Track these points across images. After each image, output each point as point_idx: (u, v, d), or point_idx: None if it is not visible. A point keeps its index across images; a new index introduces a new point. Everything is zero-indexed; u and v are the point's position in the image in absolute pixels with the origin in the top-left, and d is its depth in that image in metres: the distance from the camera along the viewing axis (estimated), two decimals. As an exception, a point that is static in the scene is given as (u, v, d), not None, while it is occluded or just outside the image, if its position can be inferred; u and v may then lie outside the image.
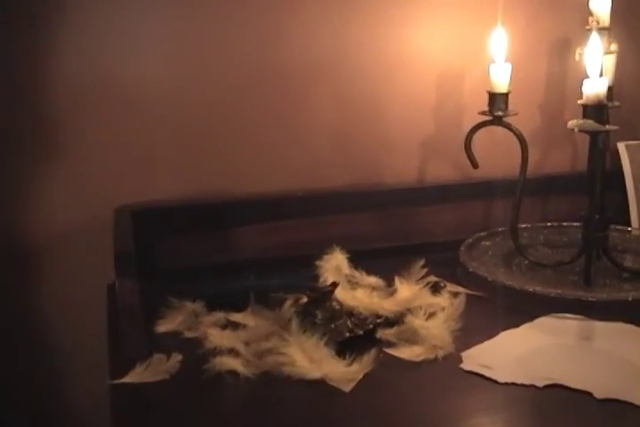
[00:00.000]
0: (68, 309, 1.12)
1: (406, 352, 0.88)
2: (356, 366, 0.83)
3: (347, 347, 0.86)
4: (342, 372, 0.82)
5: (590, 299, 0.97)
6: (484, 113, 1.08)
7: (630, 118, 1.22)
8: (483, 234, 1.19)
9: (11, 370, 1.12)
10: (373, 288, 1.01)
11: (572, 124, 0.98)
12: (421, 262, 1.04)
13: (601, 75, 0.97)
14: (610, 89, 1.02)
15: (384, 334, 0.91)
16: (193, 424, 0.77)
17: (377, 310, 0.94)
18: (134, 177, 1.11)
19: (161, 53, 1.09)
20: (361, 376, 0.83)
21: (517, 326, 0.94)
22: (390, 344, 0.90)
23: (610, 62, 1.08)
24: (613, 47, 1.09)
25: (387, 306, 0.95)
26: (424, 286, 1.01)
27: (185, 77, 1.10)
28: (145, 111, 1.09)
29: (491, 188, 1.22)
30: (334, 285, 0.93)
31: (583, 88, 0.97)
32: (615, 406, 0.77)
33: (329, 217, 1.18)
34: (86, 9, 1.04)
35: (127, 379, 0.82)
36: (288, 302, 0.95)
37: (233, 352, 0.86)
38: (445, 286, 1.02)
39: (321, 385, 0.81)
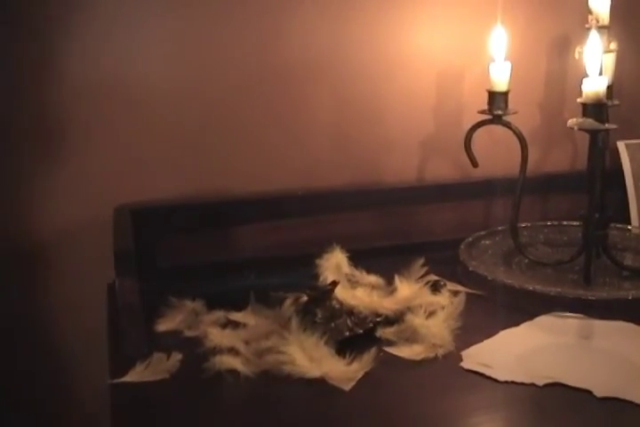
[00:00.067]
0: (69, 308, 1.12)
1: (406, 351, 0.88)
2: (355, 365, 0.84)
3: (347, 346, 0.86)
4: (342, 371, 0.83)
5: (590, 297, 0.97)
6: (483, 112, 1.08)
7: (630, 117, 1.22)
8: (483, 233, 1.19)
9: (11, 370, 1.12)
10: (373, 287, 1.01)
11: (571, 122, 0.98)
12: (421, 261, 1.04)
13: (600, 73, 0.97)
14: (609, 87, 1.02)
15: (384, 332, 0.91)
16: (193, 423, 0.77)
17: (377, 308, 0.94)
18: (135, 176, 1.11)
19: (161, 54, 1.09)
20: (361, 375, 0.83)
21: (517, 324, 0.94)
22: (390, 343, 0.90)
23: (609, 61, 1.08)
24: (613, 46, 1.09)
25: (387, 305, 0.95)
26: (424, 285, 1.00)
27: (185, 77, 1.10)
28: (145, 111, 1.09)
29: (490, 186, 1.22)
30: (334, 283, 0.93)
31: (583, 87, 0.97)
32: (615, 404, 0.77)
33: (329, 216, 1.18)
34: (88, 9, 1.04)
35: (127, 378, 0.82)
36: (288, 301, 0.95)
37: (233, 351, 0.86)
38: (445, 284, 1.02)
39: (321, 384, 0.81)
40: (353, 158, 1.21)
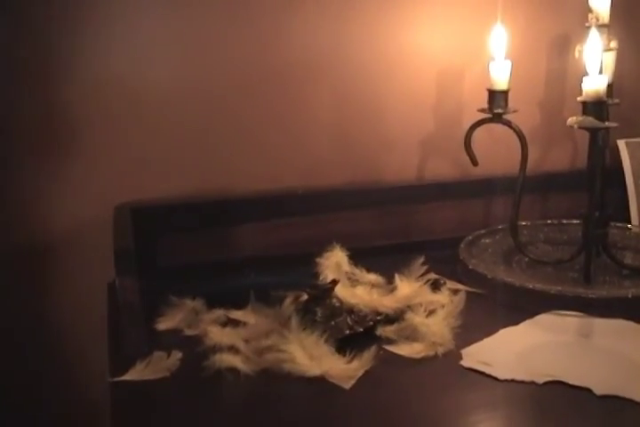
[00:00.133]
0: (69, 307, 1.12)
1: (406, 349, 0.88)
2: (356, 364, 0.84)
3: (347, 344, 0.87)
4: (342, 369, 0.83)
5: (590, 296, 0.97)
6: (483, 110, 1.08)
7: (630, 115, 1.21)
8: (482, 231, 1.19)
9: (10, 369, 1.12)
10: (373, 285, 1.01)
11: (571, 121, 0.98)
12: (421, 260, 1.05)
13: (600, 72, 0.97)
14: (610, 86, 1.02)
15: (384, 331, 0.91)
16: (193, 421, 0.77)
17: (377, 307, 0.94)
18: (137, 176, 1.11)
19: (163, 53, 1.09)
20: (361, 373, 0.83)
21: (517, 323, 0.94)
22: (390, 341, 0.90)
23: (609, 59, 1.08)
24: (613, 44, 1.09)
25: (387, 303, 0.95)
26: (424, 284, 1.01)
27: (186, 77, 1.10)
28: (147, 110, 1.09)
29: (490, 185, 1.22)
30: (334, 282, 0.93)
31: (583, 85, 0.97)
32: (615, 402, 0.77)
33: (329, 215, 1.18)
34: (90, 9, 1.04)
35: (127, 376, 0.82)
36: (288, 300, 0.95)
37: (233, 349, 0.86)
38: (445, 283, 1.02)
39: (321, 382, 0.81)
40: (353, 157, 1.21)
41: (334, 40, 1.15)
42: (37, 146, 1.07)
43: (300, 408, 0.79)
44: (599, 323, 0.95)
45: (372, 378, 0.82)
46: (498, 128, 1.09)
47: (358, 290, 0.98)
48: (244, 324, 0.93)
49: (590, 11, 1.06)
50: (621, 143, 1.28)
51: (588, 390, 0.79)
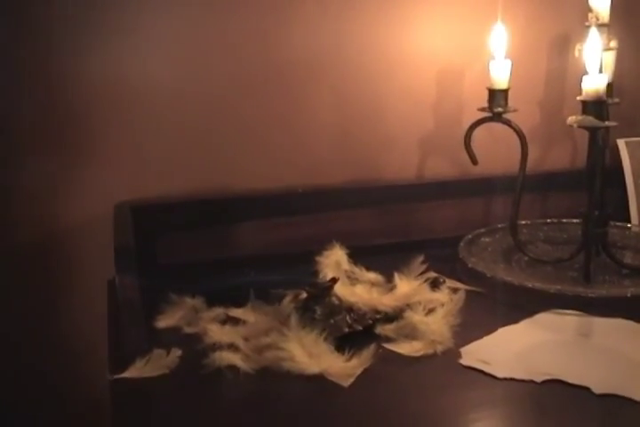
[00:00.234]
0: (69, 304, 1.12)
1: (405, 348, 0.88)
2: (355, 362, 0.84)
3: (346, 342, 0.87)
4: (341, 367, 0.83)
5: (590, 295, 0.98)
6: (483, 109, 1.08)
7: (630, 115, 1.22)
8: (482, 230, 1.19)
9: (11, 369, 1.12)
10: (373, 284, 1.01)
11: (571, 120, 0.98)
12: (421, 258, 1.05)
13: (600, 71, 0.97)
14: (610, 85, 1.02)
15: (383, 329, 0.91)
16: (192, 419, 0.77)
17: (376, 305, 0.94)
18: (136, 174, 1.11)
19: (164, 53, 1.09)
20: (360, 371, 0.83)
21: (517, 321, 0.94)
22: (389, 340, 0.90)
23: (609, 59, 1.08)
24: (613, 44, 1.09)
25: (386, 302, 0.95)
26: (423, 282, 1.01)
27: (187, 76, 1.10)
28: (147, 109, 1.09)
29: (490, 184, 1.22)
30: (334, 280, 0.94)
31: (582, 84, 0.97)
32: (613, 401, 0.77)
33: (329, 213, 1.18)
34: (90, 9, 1.04)
35: (127, 374, 0.82)
36: (287, 298, 0.95)
37: (232, 347, 0.86)
38: (445, 281, 1.02)
39: (320, 380, 0.81)
40: (353, 156, 1.21)
41: (335, 40, 1.15)
42: (37, 146, 1.07)
43: (299, 406, 0.79)
44: (598, 322, 0.95)
45: (371, 376, 0.82)
46: (498, 127, 1.09)
47: (358, 288, 0.98)
48: (244, 322, 0.93)
49: (590, 10, 1.06)
50: (621, 143, 1.28)
51: (587, 389, 0.79)
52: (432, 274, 1.03)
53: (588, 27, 1.04)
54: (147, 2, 1.06)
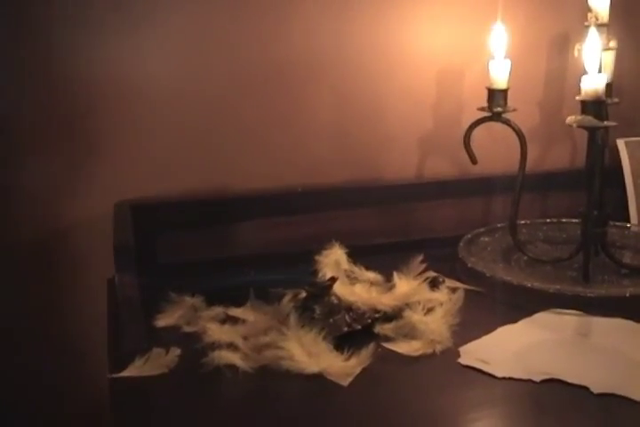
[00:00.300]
0: (69, 303, 1.12)
1: (404, 347, 0.88)
2: (354, 361, 0.84)
3: (345, 341, 0.87)
4: (340, 366, 0.83)
5: (589, 295, 0.98)
6: (483, 109, 1.08)
7: (630, 115, 1.22)
8: (482, 230, 1.19)
9: (10, 369, 1.12)
10: (372, 283, 1.01)
11: (570, 119, 0.98)
12: (420, 258, 1.05)
13: (600, 71, 0.97)
14: (609, 85, 1.02)
15: (382, 328, 0.92)
16: (191, 418, 0.77)
17: (375, 304, 0.94)
18: (137, 173, 1.11)
19: (164, 53, 1.09)
20: (359, 371, 0.83)
21: (515, 321, 0.94)
22: (388, 339, 0.90)
23: (609, 59, 1.08)
24: (612, 43, 1.09)
25: (385, 301, 0.95)
26: (423, 282, 1.01)
27: (187, 76, 1.10)
28: (147, 109, 1.09)
29: (490, 184, 1.22)
30: (333, 280, 0.94)
31: (582, 84, 0.97)
32: (612, 400, 0.77)
33: (329, 213, 1.18)
34: (90, 9, 1.04)
35: (126, 373, 0.82)
36: (287, 297, 0.95)
37: (232, 346, 0.86)
38: (444, 281, 1.02)
39: (319, 379, 0.81)
40: (353, 156, 1.21)
41: (335, 40, 1.15)
42: (37, 146, 1.07)
43: (298, 405, 0.79)
44: (597, 322, 0.95)
45: (369, 375, 0.82)
46: (497, 127, 1.09)
47: (357, 288, 0.99)
48: (243, 321, 0.93)
49: (590, 10, 1.06)
50: (621, 142, 1.28)
51: (586, 389, 0.79)
52: (431, 273, 1.03)
53: (588, 27, 1.04)
54: (147, 2, 1.06)
